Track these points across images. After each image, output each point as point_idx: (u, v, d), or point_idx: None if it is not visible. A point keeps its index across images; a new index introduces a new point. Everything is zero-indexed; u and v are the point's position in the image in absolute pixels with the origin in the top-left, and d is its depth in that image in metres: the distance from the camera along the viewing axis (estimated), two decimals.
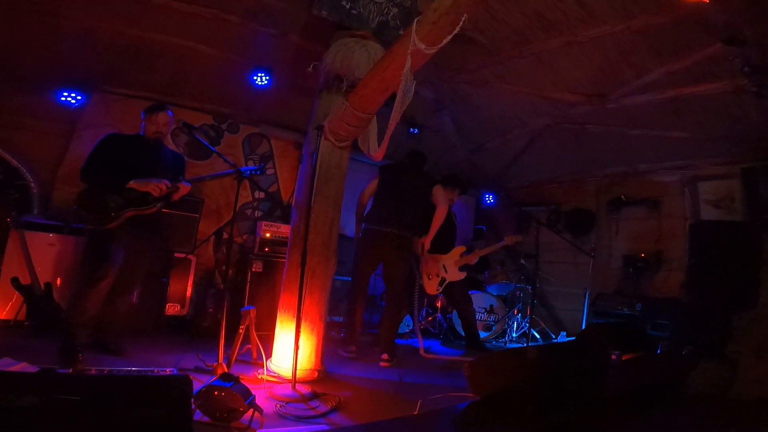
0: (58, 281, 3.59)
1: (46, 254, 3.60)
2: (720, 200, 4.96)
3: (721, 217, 4.87)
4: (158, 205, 2.95)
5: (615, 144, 5.19)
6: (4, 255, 3.47)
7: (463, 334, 4.65)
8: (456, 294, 4.39)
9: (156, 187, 2.84)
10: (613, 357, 3.31)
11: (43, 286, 3.37)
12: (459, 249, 4.39)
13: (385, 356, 3.55)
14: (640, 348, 3.79)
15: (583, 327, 5.08)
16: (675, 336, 4.42)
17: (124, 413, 1.07)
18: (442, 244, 4.29)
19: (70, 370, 2.11)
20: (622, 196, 5.74)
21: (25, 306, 3.33)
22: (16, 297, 3.34)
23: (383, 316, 3.83)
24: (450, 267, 4.28)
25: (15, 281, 3.28)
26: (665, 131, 4.68)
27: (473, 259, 4.48)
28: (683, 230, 5.13)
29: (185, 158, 3.39)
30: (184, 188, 3.03)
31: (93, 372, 2.13)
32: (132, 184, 2.81)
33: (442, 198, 4.07)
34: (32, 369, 1.98)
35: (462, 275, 4.32)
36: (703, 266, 4.59)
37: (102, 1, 3.55)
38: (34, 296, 3.31)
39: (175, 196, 3.01)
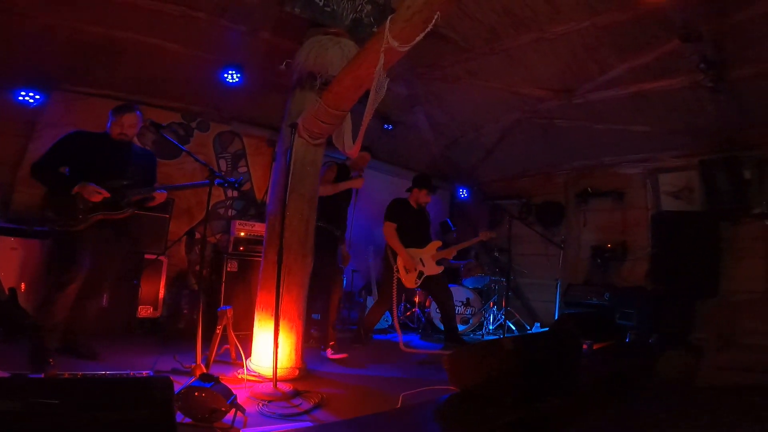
0: (23, 286, 3.43)
1: (9, 259, 3.44)
2: (679, 191, 5.20)
3: (681, 208, 5.10)
4: (129, 209, 2.87)
5: (582, 138, 5.36)
6: None
7: (441, 328, 4.72)
8: (435, 288, 4.44)
9: (94, 192, 2.69)
10: (585, 347, 3.44)
11: (7, 291, 3.23)
12: (435, 243, 4.45)
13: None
14: (610, 337, 3.96)
15: (556, 317, 5.25)
16: (642, 324, 4.61)
17: (105, 416, 1.05)
18: (418, 239, 4.35)
19: (42, 375, 2.04)
20: (589, 189, 5.94)
21: None
22: None
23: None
24: (427, 261, 4.33)
25: None
26: (628, 125, 4.87)
27: (451, 254, 4.55)
28: (646, 221, 5.36)
29: (155, 156, 3.30)
30: (160, 196, 2.96)
31: (66, 376, 2.06)
32: (76, 188, 2.68)
33: None
34: (3, 374, 1.90)
35: (440, 269, 4.37)
36: (664, 255, 4.80)
37: None
38: None
39: (153, 203, 2.95)
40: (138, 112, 2.99)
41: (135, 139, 3.17)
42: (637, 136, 5.00)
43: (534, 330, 5.67)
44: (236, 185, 2.97)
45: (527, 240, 6.03)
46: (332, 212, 3.84)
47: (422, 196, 4.43)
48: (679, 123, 4.60)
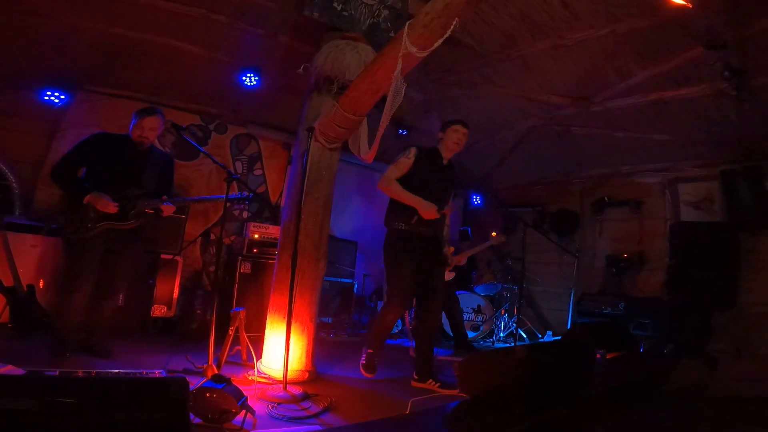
0: (41, 283, 3.51)
1: (29, 256, 3.51)
2: (700, 201, 5.09)
3: (701, 218, 5.00)
4: (138, 221, 2.89)
5: (599, 146, 5.29)
6: None
7: (451, 334, 4.69)
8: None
9: (106, 204, 2.72)
10: (598, 356, 3.39)
11: (25, 288, 3.30)
12: (448, 250, 4.42)
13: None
14: (624, 347, 3.89)
15: (569, 327, 5.17)
16: (657, 335, 4.53)
17: (121, 415, 1.07)
18: None
19: (57, 373, 2.07)
20: (606, 198, 5.86)
21: (8, 308, 3.25)
22: None
23: None
24: None
25: None
26: (647, 134, 4.79)
27: (462, 260, 4.52)
28: (664, 231, 5.26)
29: (173, 159, 3.34)
30: (168, 209, 2.94)
31: (80, 374, 2.09)
32: (88, 198, 2.72)
33: None
34: (18, 371, 1.94)
35: (451, 276, 4.35)
36: (683, 266, 4.71)
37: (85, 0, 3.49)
38: (17, 298, 3.24)
39: (163, 214, 2.97)
40: (160, 115, 3.00)
41: (156, 141, 3.20)
42: (657, 145, 4.92)
43: (546, 339, 5.60)
44: (247, 201, 2.99)
45: (541, 248, 5.96)
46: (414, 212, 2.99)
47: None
48: (700, 132, 4.51)
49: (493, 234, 4.67)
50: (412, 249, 3.00)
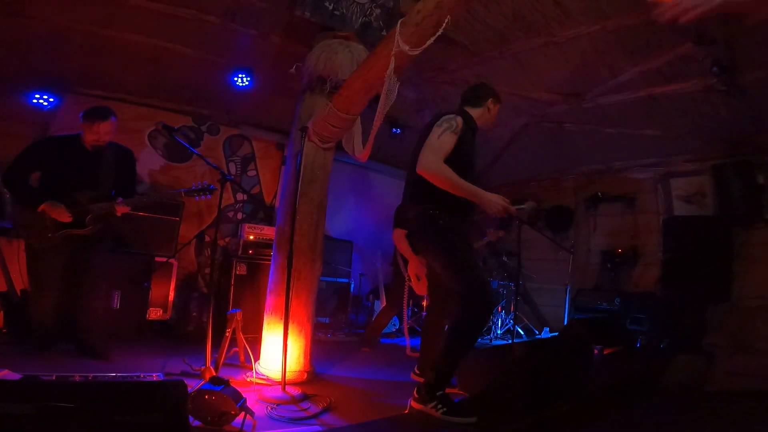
0: None
1: (22, 260, 3.47)
2: (692, 196, 5.14)
3: (693, 213, 5.05)
4: (95, 226, 2.84)
5: (592, 142, 5.32)
6: None
7: None
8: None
9: (60, 214, 2.69)
10: (595, 352, 3.41)
11: (19, 293, 3.26)
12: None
13: None
14: (620, 342, 3.92)
15: (566, 323, 5.20)
16: (652, 330, 4.55)
17: (120, 419, 1.06)
18: None
19: (53, 377, 2.05)
20: (599, 193, 5.90)
21: (1, 313, 3.22)
22: None
23: None
24: None
25: None
26: (639, 129, 4.83)
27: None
28: (657, 225, 5.30)
29: (132, 154, 3.20)
30: (121, 209, 2.84)
31: (76, 378, 2.07)
32: (42, 206, 2.68)
33: None
34: (15, 376, 1.92)
35: None
36: (676, 261, 4.75)
37: (73, 1, 3.44)
38: (10, 303, 3.21)
39: (116, 214, 2.87)
40: (113, 118, 2.89)
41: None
42: (648, 141, 4.96)
43: (543, 335, 5.62)
44: (208, 192, 2.89)
45: (536, 245, 5.99)
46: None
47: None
48: (691, 127, 4.55)
49: (490, 231, 4.66)
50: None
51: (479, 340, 5.09)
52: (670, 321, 4.49)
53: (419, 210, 2.31)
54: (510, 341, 4.85)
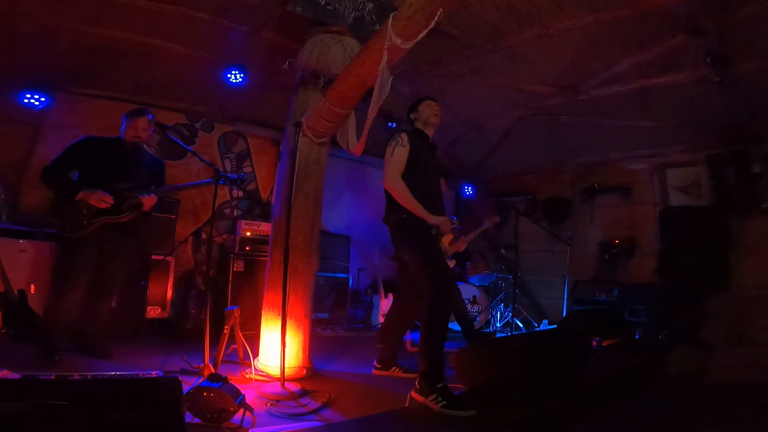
0: (32, 288, 3.47)
1: (18, 261, 3.47)
2: (688, 186, 5.15)
3: (690, 203, 5.05)
4: (132, 213, 2.89)
5: (587, 134, 5.32)
6: None
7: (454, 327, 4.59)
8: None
9: (99, 199, 2.73)
10: (594, 344, 3.42)
11: (17, 293, 3.27)
12: (447, 238, 4.32)
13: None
14: (619, 334, 3.93)
15: (564, 314, 5.22)
16: (651, 321, 4.57)
17: (114, 417, 1.06)
18: None
19: (53, 377, 2.06)
20: (596, 185, 5.91)
21: (0, 313, 3.22)
22: None
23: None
24: None
25: None
26: (633, 121, 4.83)
27: (461, 247, 4.45)
28: (654, 216, 5.31)
29: (164, 163, 3.34)
30: (149, 201, 2.92)
31: (76, 377, 2.08)
32: (80, 195, 2.72)
33: None
34: (14, 376, 1.93)
35: (452, 264, 4.29)
36: (673, 251, 4.76)
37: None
38: (9, 303, 3.21)
39: (144, 208, 2.94)
40: (150, 115, 3.03)
41: (145, 146, 3.20)
42: (643, 132, 4.96)
43: (542, 327, 5.65)
44: (239, 181, 2.97)
45: (533, 237, 6.00)
46: (422, 195, 2.69)
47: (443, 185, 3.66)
48: (685, 118, 4.56)
49: (488, 218, 4.64)
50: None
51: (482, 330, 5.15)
52: (668, 312, 4.50)
53: (395, 216, 2.72)
54: (509, 334, 4.87)
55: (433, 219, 2.61)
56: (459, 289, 4.46)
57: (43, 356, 2.61)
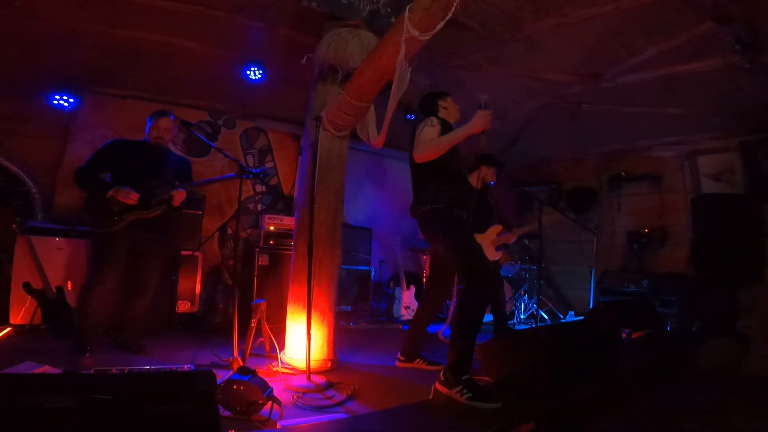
0: (69, 284, 3.62)
1: (54, 258, 3.62)
2: (720, 173, 4.96)
3: (723, 191, 4.87)
4: (160, 208, 2.97)
5: (612, 122, 5.18)
6: (13, 261, 3.50)
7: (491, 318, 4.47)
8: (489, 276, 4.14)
9: (127, 194, 2.81)
10: (623, 335, 3.34)
11: (54, 290, 3.41)
12: (495, 228, 4.19)
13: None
14: (650, 325, 3.82)
15: (591, 306, 5.12)
16: (683, 312, 4.43)
17: (154, 410, 1.10)
18: (478, 223, 3.95)
19: (92, 371, 2.14)
20: (623, 173, 5.75)
21: (39, 310, 3.37)
22: (29, 302, 3.38)
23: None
24: (487, 247, 4.08)
25: (27, 286, 3.33)
26: (661, 108, 4.67)
27: (511, 239, 4.31)
28: (685, 204, 5.15)
29: (190, 162, 3.41)
30: (179, 195, 3.00)
31: (114, 371, 2.16)
32: (110, 192, 2.81)
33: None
34: (56, 371, 2.01)
35: (498, 255, 4.19)
36: (706, 240, 4.60)
37: (81, 2, 3.46)
38: (47, 300, 3.36)
39: (174, 203, 3.01)
40: (172, 116, 3.11)
41: (171, 146, 3.27)
42: (672, 119, 4.79)
43: (568, 319, 5.56)
44: (261, 175, 3.01)
45: (558, 227, 5.89)
46: (452, 184, 2.66)
47: (489, 175, 4.01)
48: (715, 104, 4.38)
49: (515, 229, 4.46)
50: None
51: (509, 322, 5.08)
52: (702, 303, 4.36)
53: (424, 207, 2.63)
54: (533, 325, 4.80)
55: (471, 124, 2.41)
56: (503, 281, 4.35)
57: (75, 351, 2.69)
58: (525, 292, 5.54)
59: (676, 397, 2.79)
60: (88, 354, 2.66)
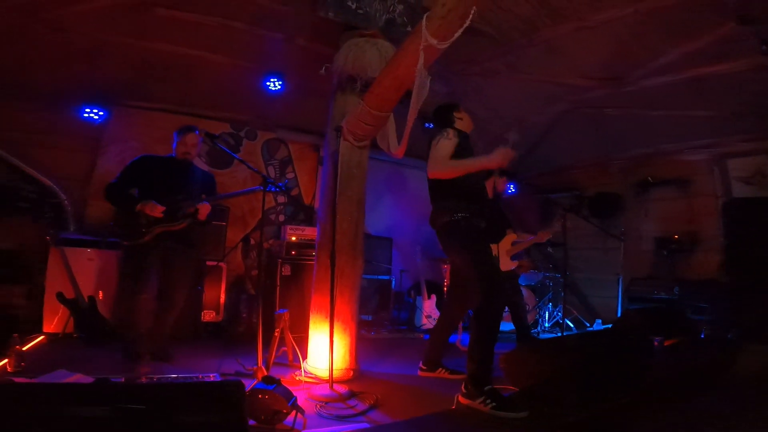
0: (100, 294, 3.73)
1: (86, 269, 3.75)
2: (751, 176, 4.81)
3: (754, 194, 4.72)
4: (186, 221, 3.04)
5: (636, 126, 5.07)
6: (47, 271, 3.63)
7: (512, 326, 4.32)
8: (507, 286, 4.04)
9: (152, 208, 2.91)
10: (656, 343, 3.24)
11: (87, 300, 3.52)
12: (510, 237, 4.18)
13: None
14: (682, 333, 3.70)
15: (619, 314, 4.99)
16: (718, 319, 4.29)
17: (183, 419, 1.12)
18: (492, 233, 3.96)
19: (122, 380, 2.19)
20: (649, 178, 5.62)
21: (72, 319, 3.49)
22: (62, 311, 3.51)
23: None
24: (502, 256, 4.10)
25: (60, 296, 3.45)
26: (687, 111, 4.55)
27: (524, 247, 4.30)
28: (716, 209, 4.99)
29: (215, 177, 3.48)
30: (204, 209, 3.08)
31: (143, 380, 2.20)
32: (138, 206, 2.91)
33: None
34: (88, 379, 2.06)
35: (514, 264, 4.15)
36: (739, 245, 4.45)
37: (106, 14, 3.55)
38: (80, 309, 3.47)
39: (200, 216, 3.08)
40: (197, 131, 3.22)
41: (196, 160, 3.37)
42: (700, 121, 4.66)
43: (595, 327, 5.42)
44: (283, 188, 3.05)
45: (582, 233, 5.78)
46: (470, 195, 2.67)
47: (500, 184, 4.12)
48: (743, 106, 4.25)
49: (540, 233, 4.39)
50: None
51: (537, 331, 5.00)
52: (737, 309, 4.20)
53: (443, 218, 2.63)
54: (558, 334, 4.70)
55: (490, 158, 2.47)
56: (521, 290, 4.30)
57: (130, 359, 2.78)
58: (549, 301, 5.43)
59: (712, 404, 2.67)
60: (143, 367, 2.70)
